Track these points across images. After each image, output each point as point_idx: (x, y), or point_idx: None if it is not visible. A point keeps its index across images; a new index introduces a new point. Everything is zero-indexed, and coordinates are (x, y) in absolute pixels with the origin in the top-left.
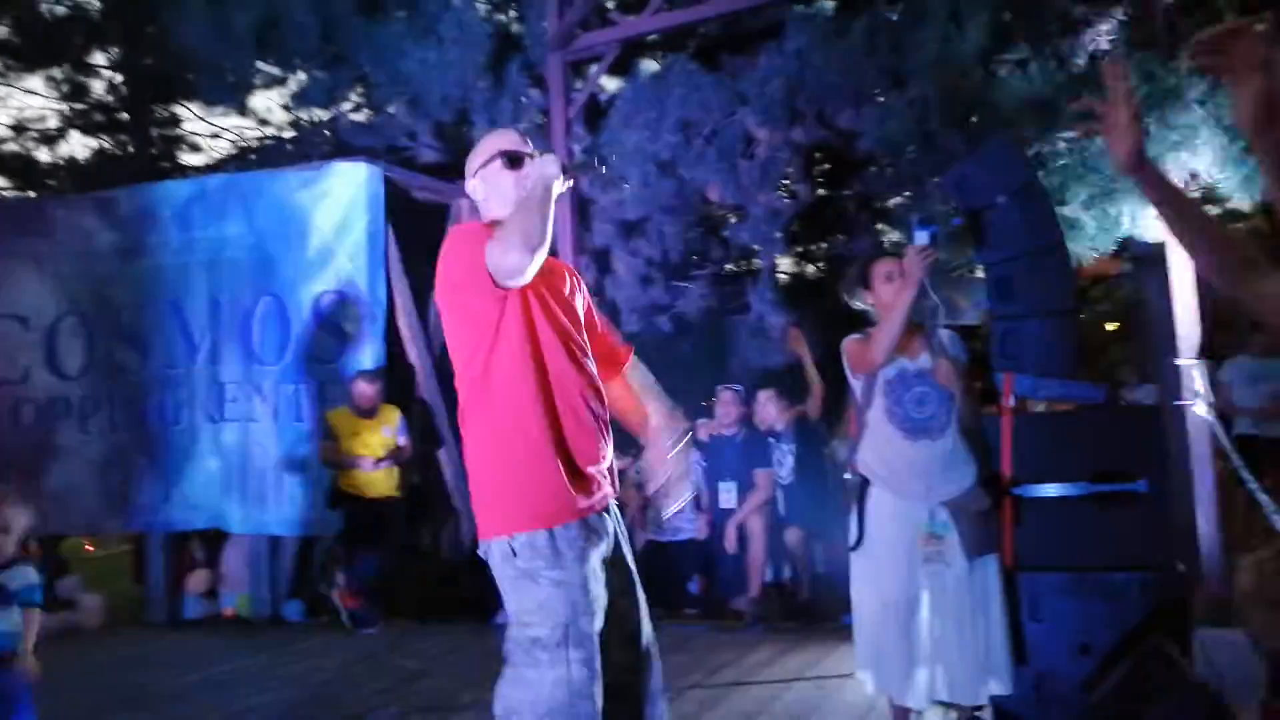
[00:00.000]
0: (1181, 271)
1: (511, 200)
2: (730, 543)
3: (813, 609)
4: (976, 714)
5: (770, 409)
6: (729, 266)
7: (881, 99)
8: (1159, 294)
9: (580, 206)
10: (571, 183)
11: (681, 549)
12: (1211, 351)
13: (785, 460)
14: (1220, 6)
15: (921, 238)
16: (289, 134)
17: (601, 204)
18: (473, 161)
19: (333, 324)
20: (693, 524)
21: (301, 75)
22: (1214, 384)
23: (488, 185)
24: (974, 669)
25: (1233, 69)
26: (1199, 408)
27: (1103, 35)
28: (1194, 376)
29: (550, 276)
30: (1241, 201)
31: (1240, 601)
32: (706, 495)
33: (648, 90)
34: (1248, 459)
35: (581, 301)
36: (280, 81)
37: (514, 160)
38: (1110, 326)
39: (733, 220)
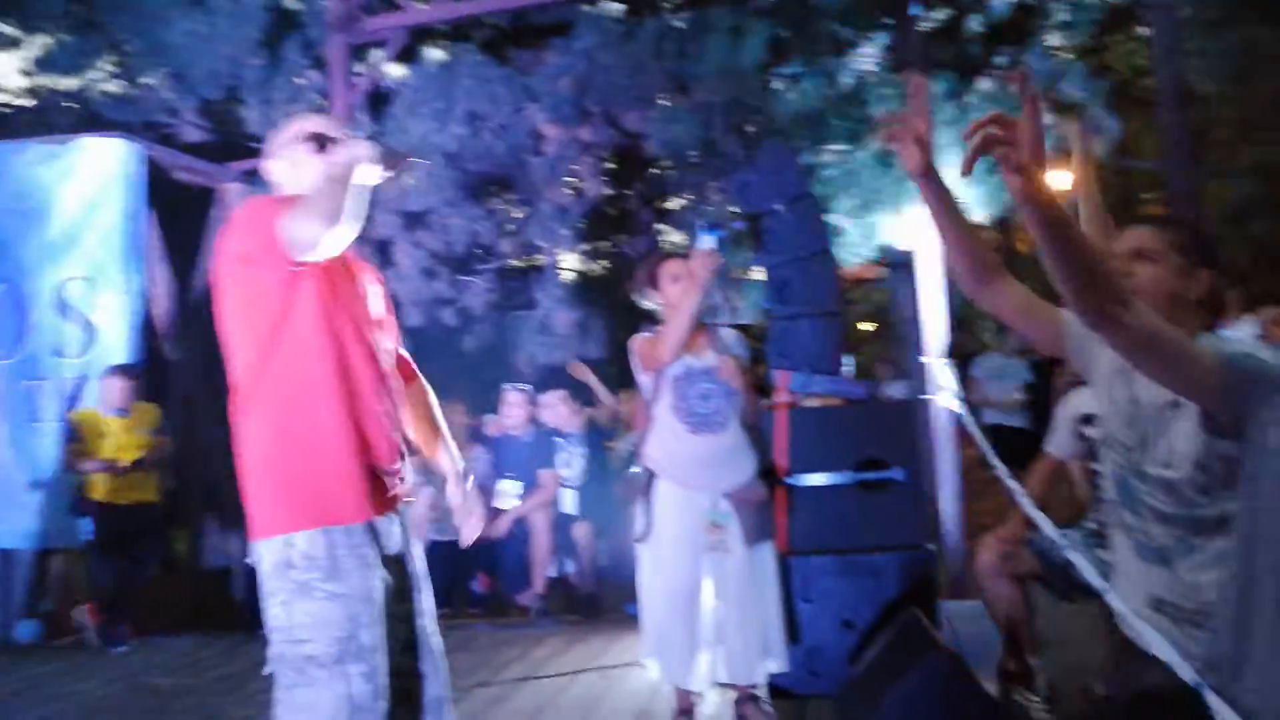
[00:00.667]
0: (929, 277)
1: (313, 185)
2: (499, 530)
3: (597, 601)
4: (753, 692)
5: (560, 410)
6: (514, 262)
7: (667, 103)
8: (910, 298)
9: None
10: (392, 174)
11: (463, 548)
12: (959, 350)
13: (574, 462)
14: (967, 35)
15: (707, 241)
16: (28, 102)
17: (384, 194)
18: (276, 140)
19: (79, 315)
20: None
21: (45, 38)
22: (967, 379)
23: (290, 167)
24: (752, 650)
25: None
26: (945, 401)
27: (867, 57)
28: (940, 373)
29: (350, 269)
30: (980, 215)
31: (979, 575)
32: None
33: (435, 80)
34: (994, 446)
35: (381, 305)
36: (15, 43)
37: (323, 143)
38: (866, 326)
39: (519, 215)
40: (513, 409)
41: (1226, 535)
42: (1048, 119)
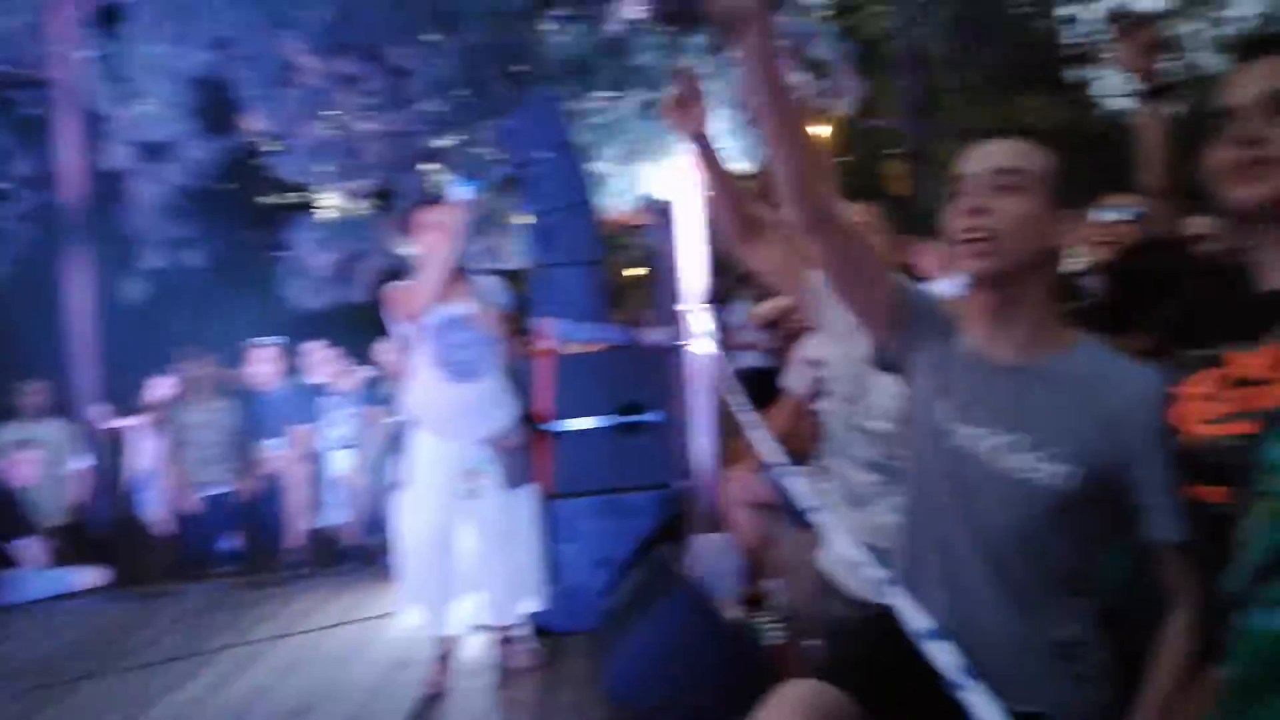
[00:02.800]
0: (688, 227)
1: None
2: (246, 492)
3: (360, 552)
4: (514, 631)
5: (323, 365)
6: (268, 199)
7: (434, 39)
8: (669, 247)
9: (89, 122)
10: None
11: (216, 504)
12: (721, 296)
13: (343, 421)
14: None
15: (461, 192)
16: None
17: (117, 120)
18: None
19: None
20: (229, 477)
21: None
22: (724, 325)
23: None
24: (509, 592)
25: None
26: (699, 346)
27: (635, 6)
28: (696, 319)
29: None
30: (741, 166)
31: (726, 507)
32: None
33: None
34: (748, 388)
35: None
36: None
37: None
38: (632, 272)
39: (274, 150)
40: (261, 365)
41: None
42: (796, 78)
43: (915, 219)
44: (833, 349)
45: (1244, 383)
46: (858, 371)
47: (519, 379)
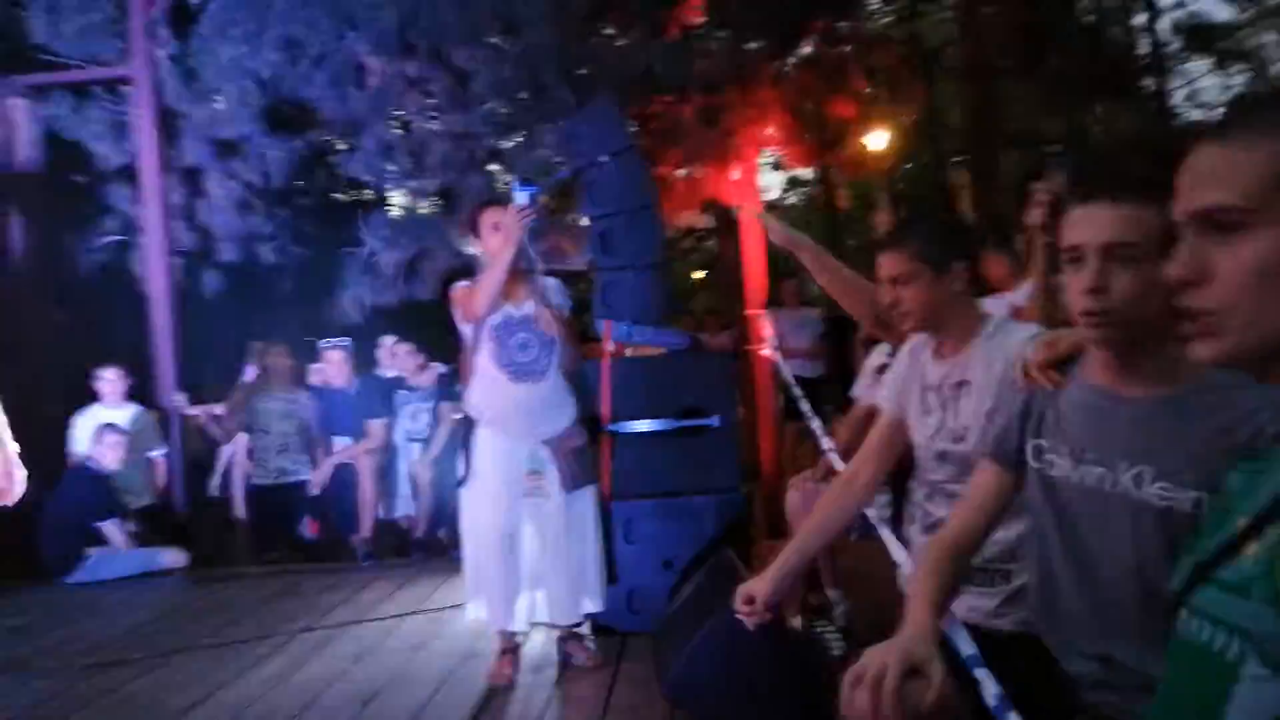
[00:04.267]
0: (751, 232)
1: None
2: (317, 482)
3: (428, 545)
4: (576, 630)
5: (402, 358)
6: (338, 196)
7: (497, 42)
8: (734, 251)
9: (164, 118)
10: None
11: (290, 493)
12: (779, 301)
13: (421, 414)
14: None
15: (521, 198)
16: None
17: (192, 118)
18: None
19: None
20: (304, 467)
21: None
22: (781, 332)
23: None
24: (570, 591)
25: None
26: (766, 352)
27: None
28: (760, 324)
29: None
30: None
31: (788, 515)
32: (322, 444)
33: (244, 1)
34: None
35: None
36: None
37: None
38: (697, 275)
39: (342, 149)
40: (331, 366)
41: None
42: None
43: (982, 228)
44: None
45: None
46: (933, 394)
47: (581, 381)
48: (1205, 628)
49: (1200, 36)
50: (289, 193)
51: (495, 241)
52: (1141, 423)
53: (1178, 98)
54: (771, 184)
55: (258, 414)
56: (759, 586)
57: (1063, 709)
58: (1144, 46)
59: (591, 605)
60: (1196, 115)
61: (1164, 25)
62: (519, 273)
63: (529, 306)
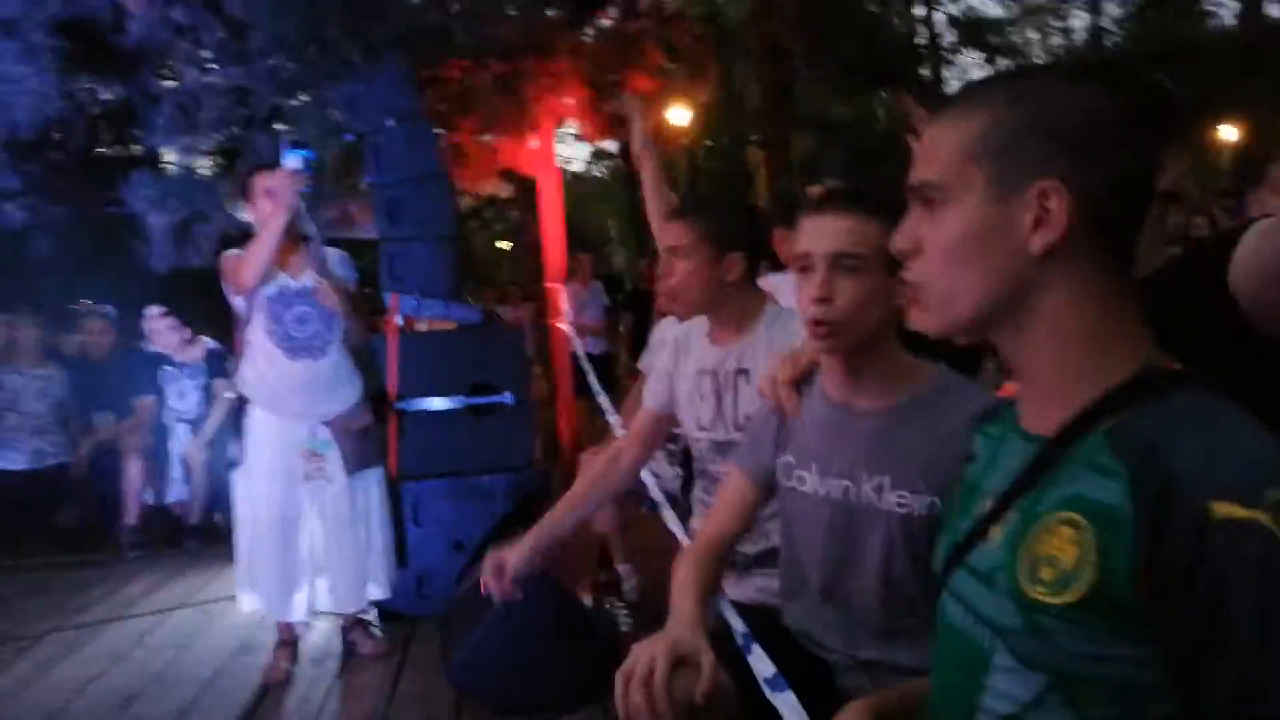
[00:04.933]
0: (550, 203)
1: None
2: (78, 466)
3: (204, 532)
4: (361, 617)
5: (165, 334)
6: (103, 151)
7: None
8: (534, 222)
9: None
10: None
11: (48, 478)
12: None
13: (189, 393)
14: None
15: (293, 162)
16: None
17: None
18: None
19: None
20: (63, 449)
21: None
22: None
23: None
24: (354, 578)
25: None
26: (562, 325)
27: None
28: (559, 299)
29: None
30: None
31: None
32: (79, 423)
33: None
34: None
35: None
36: None
37: None
38: (503, 245)
39: (105, 98)
40: (91, 337)
41: None
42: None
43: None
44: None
45: None
46: (712, 380)
47: (370, 357)
48: (960, 613)
49: (972, 30)
50: (41, 145)
51: (267, 208)
52: (875, 434)
53: (952, 88)
54: (576, 155)
55: (4, 392)
56: (509, 556)
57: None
58: (922, 38)
59: (378, 591)
60: None
61: (940, 18)
62: (296, 241)
63: (308, 278)
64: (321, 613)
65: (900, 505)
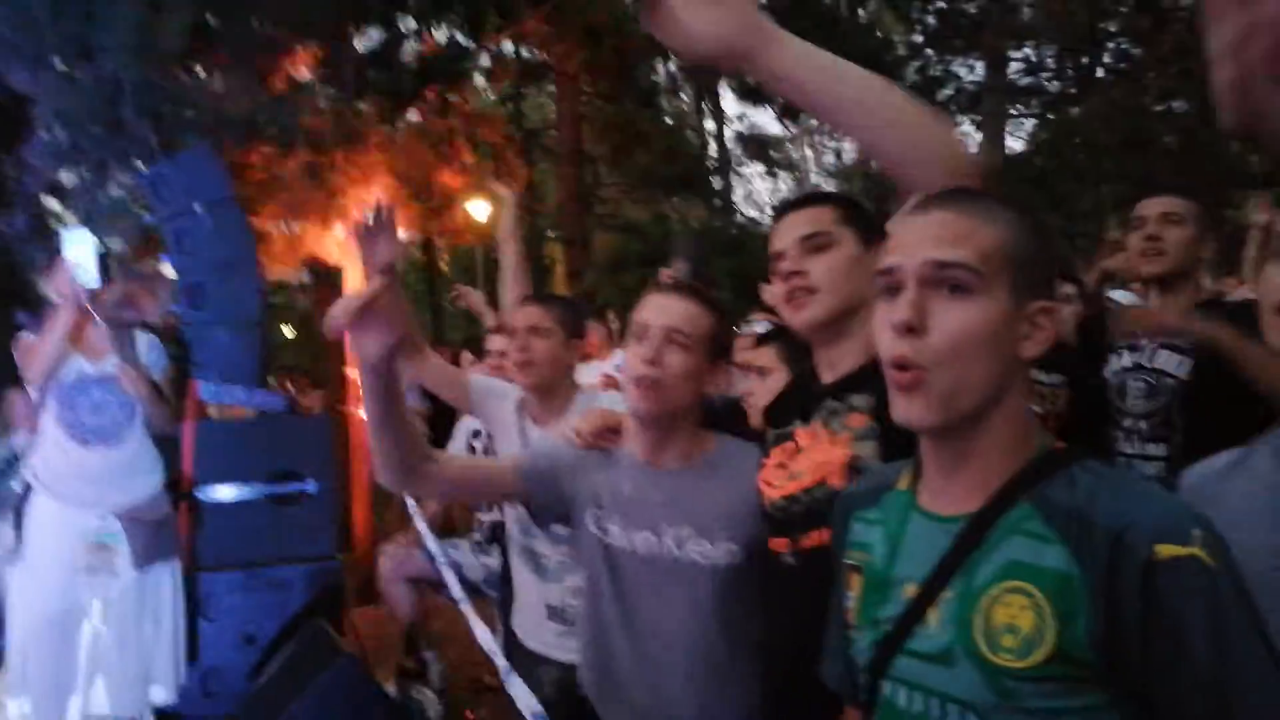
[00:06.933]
0: (353, 287)
1: None
2: None
3: None
4: None
5: None
6: None
7: (65, 68)
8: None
9: None
10: None
11: None
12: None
13: None
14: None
15: (78, 240)
16: None
17: None
18: None
19: None
20: None
21: None
22: None
23: None
24: (135, 679)
25: None
26: (362, 413)
27: (305, 64)
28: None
29: None
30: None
31: (381, 581)
32: None
33: None
34: None
35: None
36: None
37: None
38: (288, 332)
39: None
40: None
41: None
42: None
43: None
44: (506, 439)
45: (799, 452)
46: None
47: (174, 444)
48: (914, 698)
49: (756, 146)
50: None
51: (59, 292)
52: (677, 489)
53: (738, 196)
54: None
55: None
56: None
57: None
58: (713, 150)
59: (161, 694)
60: (752, 213)
61: (730, 134)
62: (93, 327)
63: (109, 363)
64: (97, 718)
65: (702, 557)
